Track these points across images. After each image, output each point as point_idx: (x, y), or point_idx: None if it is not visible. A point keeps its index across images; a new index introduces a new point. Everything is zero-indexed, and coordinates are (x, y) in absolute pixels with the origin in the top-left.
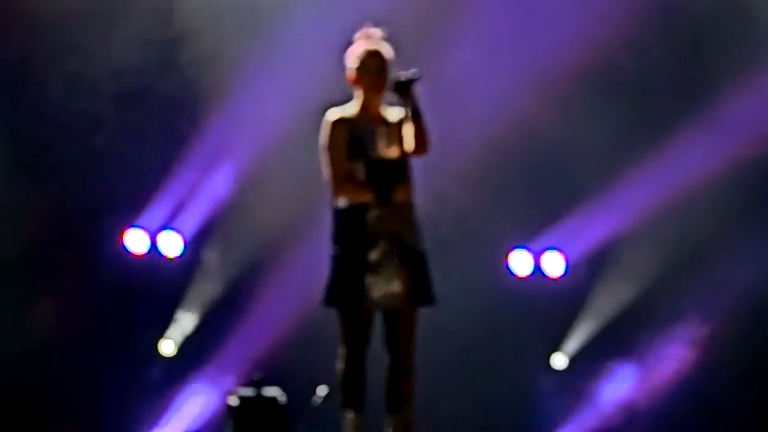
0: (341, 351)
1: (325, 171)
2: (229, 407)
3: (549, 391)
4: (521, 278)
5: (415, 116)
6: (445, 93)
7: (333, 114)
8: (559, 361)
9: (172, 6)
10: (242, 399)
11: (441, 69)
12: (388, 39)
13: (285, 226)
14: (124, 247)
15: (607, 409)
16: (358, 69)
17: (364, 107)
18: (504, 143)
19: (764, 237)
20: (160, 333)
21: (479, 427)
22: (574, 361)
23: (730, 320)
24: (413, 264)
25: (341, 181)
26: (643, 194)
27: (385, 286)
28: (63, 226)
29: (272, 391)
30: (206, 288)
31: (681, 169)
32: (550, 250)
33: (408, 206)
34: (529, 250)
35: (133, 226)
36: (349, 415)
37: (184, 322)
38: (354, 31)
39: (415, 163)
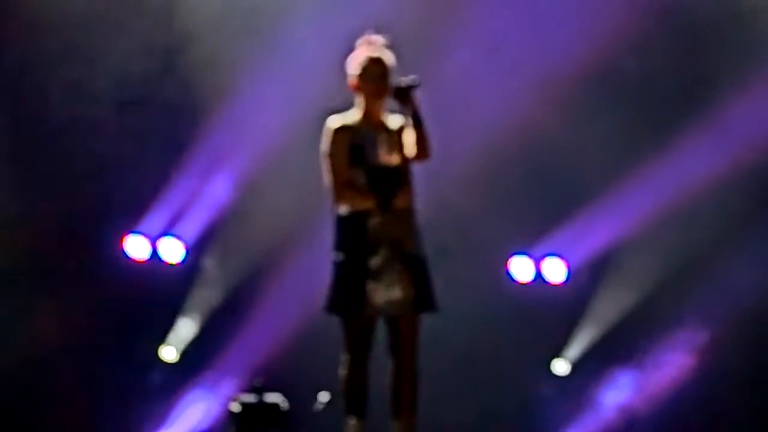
0: (344, 357)
1: (326, 178)
2: (231, 413)
3: (550, 397)
4: (522, 284)
5: (416, 122)
6: (446, 98)
7: (334, 121)
8: (560, 367)
9: (172, 13)
10: (244, 405)
11: (442, 73)
12: (390, 46)
13: (286, 232)
14: (125, 253)
15: (609, 415)
16: (360, 76)
17: (366, 114)
18: (505, 148)
19: (766, 242)
20: (162, 339)
21: None
22: (575, 367)
23: (732, 326)
24: (414, 270)
25: (342, 187)
26: (644, 199)
27: (386, 293)
28: (64, 232)
29: (274, 397)
30: (207, 294)
31: (683, 174)
32: (551, 256)
33: (409, 212)
34: (530, 256)
35: (133, 232)
36: (352, 422)
37: (185, 328)
38: (355, 36)
39: (416, 169)
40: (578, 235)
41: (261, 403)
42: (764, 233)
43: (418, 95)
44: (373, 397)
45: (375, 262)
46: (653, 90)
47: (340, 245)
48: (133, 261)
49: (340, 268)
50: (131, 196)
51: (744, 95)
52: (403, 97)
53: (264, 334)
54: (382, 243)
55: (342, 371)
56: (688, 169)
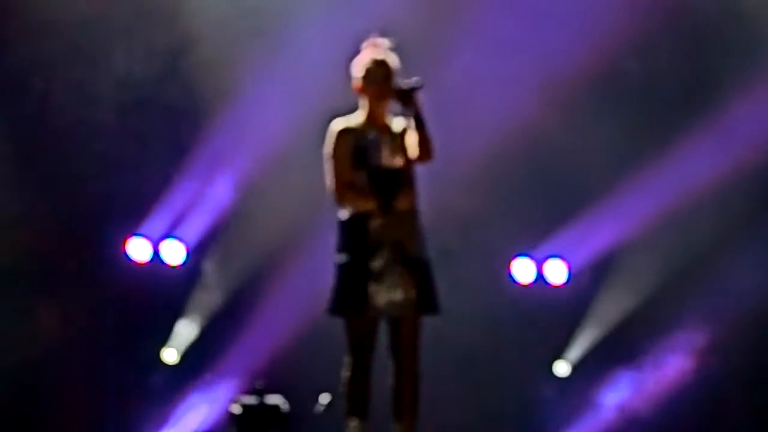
0: (346, 359)
1: (328, 180)
2: (232, 415)
3: (552, 398)
4: (524, 286)
5: (418, 124)
6: (449, 100)
7: (338, 124)
8: (561, 368)
9: (175, 14)
10: (245, 407)
11: (444, 75)
12: (395, 49)
13: (288, 234)
14: (127, 256)
15: (610, 416)
16: (364, 78)
17: (370, 116)
18: (507, 150)
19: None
20: (163, 341)
21: None
22: (576, 368)
23: (732, 327)
24: (417, 272)
25: (344, 190)
26: (645, 201)
27: (388, 294)
28: (66, 234)
29: (275, 399)
30: (209, 296)
31: (684, 176)
32: (552, 258)
33: (412, 214)
34: (531, 257)
35: (135, 234)
36: (353, 423)
37: (187, 330)
38: (359, 39)
39: (418, 171)
40: (580, 236)
41: (262, 405)
42: (766, 235)
43: (421, 97)
44: (374, 399)
45: (377, 264)
46: (655, 92)
47: (342, 247)
48: (135, 263)
49: (342, 270)
50: (133, 198)
51: (746, 97)
52: (406, 99)
53: (265, 336)
54: (383, 245)
55: (344, 373)
56: (690, 171)
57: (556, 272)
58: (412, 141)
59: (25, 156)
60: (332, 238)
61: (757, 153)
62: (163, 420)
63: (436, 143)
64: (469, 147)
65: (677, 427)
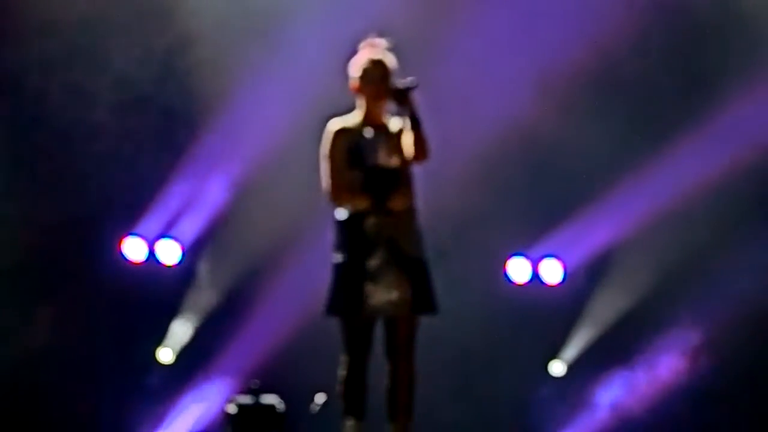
0: (343, 359)
1: (323, 180)
2: (227, 415)
3: (547, 398)
4: (519, 285)
5: (414, 124)
6: (444, 100)
7: (335, 123)
8: (557, 368)
9: (172, 15)
10: (240, 406)
11: (440, 75)
12: (392, 49)
13: (284, 234)
14: (122, 255)
15: (605, 416)
16: (361, 78)
17: (367, 116)
18: (502, 150)
19: (763, 245)
20: (158, 341)
21: None
22: (572, 368)
23: (728, 328)
24: (413, 272)
25: (338, 189)
26: (641, 201)
27: (384, 294)
28: (61, 234)
29: (270, 399)
30: (204, 296)
31: (680, 175)
32: (548, 258)
33: (408, 214)
34: (527, 257)
35: (131, 234)
36: (350, 423)
37: (182, 330)
38: (355, 38)
39: (414, 171)
40: (575, 236)
41: (257, 405)
42: (761, 235)
43: (416, 97)
44: (371, 399)
45: (373, 263)
46: (652, 91)
47: (338, 247)
48: (131, 263)
49: (338, 270)
50: (129, 197)
51: (743, 97)
52: (402, 99)
53: (260, 335)
54: (379, 244)
55: (341, 372)
56: (686, 171)
57: (552, 272)
58: (407, 141)
59: (22, 155)
60: (328, 238)
61: (753, 153)
62: (159, 420)
63: (432, 143)
64: (465, 147)
65: (672, 427)
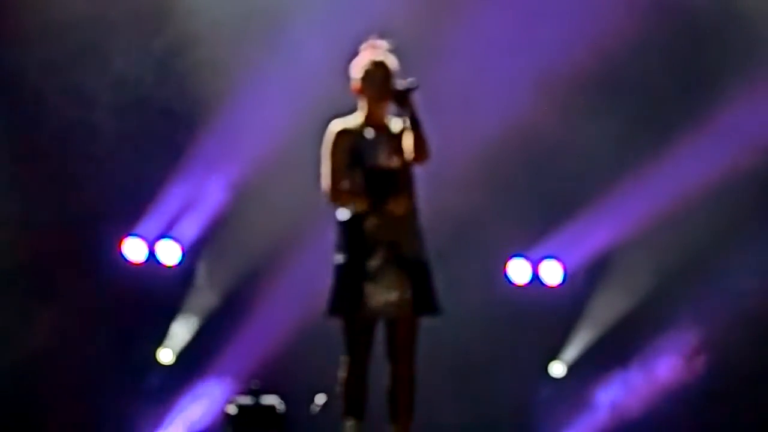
0: (343, 359)
1: (323, 180)
2: (228, 415)
3: (547, 399)
4: (519, 287)
5: (414, 125)
6: (445, 101)
7: (336, 124)
8: (557, 369)
9: (171, 16)
10: (240, 407)
11: (440, 76)
12: (394, 50)
13: (283, 235)
14: (122, 256)
15: (606, 417)
16: (363, 79)
17: (368, 117)
18: (502, 151)
19: (763, 246)
20: (159, 341)
21: None
22: (572, 369)
23: (728, 329)
24: (413, 273)
25: (337, 190)
26: (641, 202)
27: (383, 295)
28: (61, 235)
29: (270, 400)
30: (204, 296)
31: (680, 176)
32: (548, 259)
33: (409, 215)
34: (527, 258)
35: (131, 234)
36: (350, 423)
37: (182, 331)
38: (357, 39)
39: (415, 172)
40: (575, 237)
41: (257, 406)
42: (761, 236)
43: (417, 98)
44: (371, 399)
45: (373, 264)
46: (652, 92)
47: (340, 248)
48: (131, 263)
49: (339, 271)
50: (129, 198)
51: (744, 97)
52: (402, 100)
53: (260, 336)
54: (379, 245)
55: (341, 373)
56: (686, 172)
57: (552, 273)
58: (408, 142)
59: (21, 156)
60: (328, 238)
61: (753, 154)
62: (159, 420)
63: (432, 143)
64: (465, 148)
65: (672, 427)
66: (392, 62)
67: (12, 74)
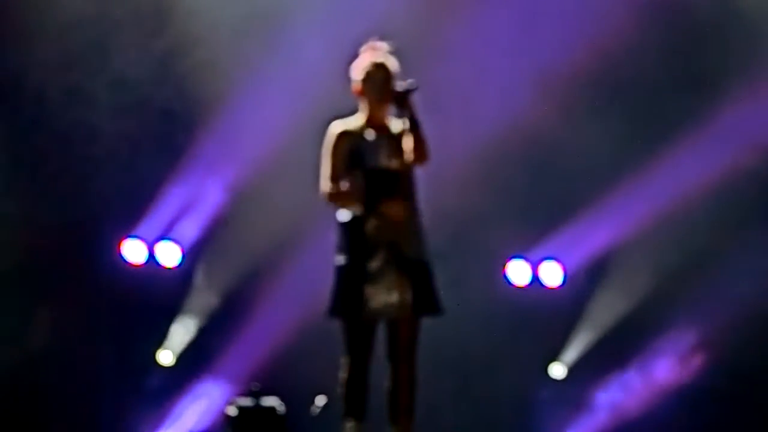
0: (344, 360)
1: (321, 181)
2: (228, 417)
3: (547, 400)
4: (519, 288)
5: (413, 126)
6: (444, 102)
7: (337, 126)
8: (557, 370)
9: (170, 17)
10: (241, 409)
11: (440, 77)
12: (394, 52)
13: (284, 236)
14: (122, 257)
15: (605, 418)
16: (363, 81)
17: (369, 119)
18: (502, 152)
19: (763, 248)
20: (158, 343)
21: None
22: (572, 370)
23: (727, 331)
24: (414, 274)
25: (335, 191)
26: (641, 204)
27: (384, 296)
28: (61, 236)
29: (271, 401)
30: (204, 298)
31: (680, 178)
32: (548, 260)
33: (410, 216)
34: (527, 259)
35: (130, 236)
36: (350, 424)
37: (182, 332)
38: (357, 41)
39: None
40: (575, 238)
41: (258, 407)
42: (761, 238)
43: (416, 99)
44: (372, 400)
45: (373, 265)
46: (652, 91)
47: (340, 249)
48: (130, 265)
49: (340, 272)
50: (128, 200)
51: (744, 98)
52: (401, 101)
53: (261, 337)
54: (380, 246)
55: (342, 374)
56: (686, 171)
57: (552, 274)
58: (407, 143)
59: (21, 158)
60: (328, 240)
61: (753, 154)
62: (159, 422)
63: (432, 144)
64: (465, 147)
65: (671, 429)
66: (392, 64)
67: (12, 74)
